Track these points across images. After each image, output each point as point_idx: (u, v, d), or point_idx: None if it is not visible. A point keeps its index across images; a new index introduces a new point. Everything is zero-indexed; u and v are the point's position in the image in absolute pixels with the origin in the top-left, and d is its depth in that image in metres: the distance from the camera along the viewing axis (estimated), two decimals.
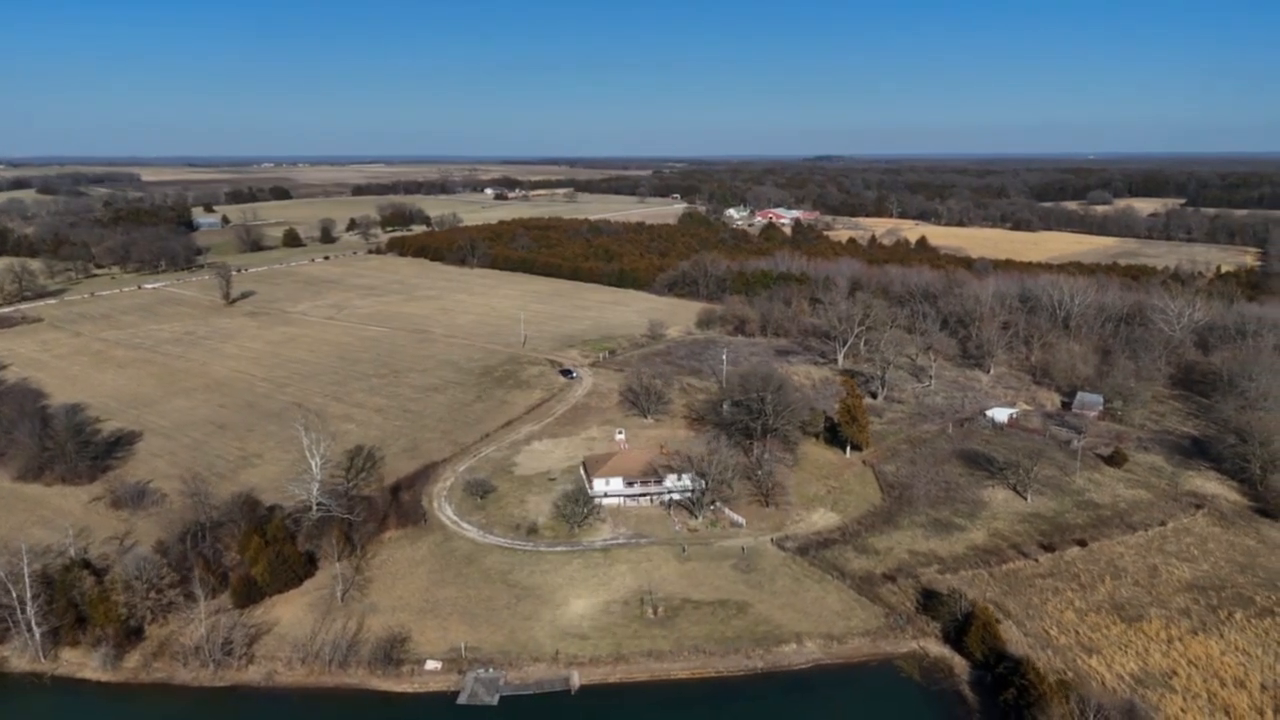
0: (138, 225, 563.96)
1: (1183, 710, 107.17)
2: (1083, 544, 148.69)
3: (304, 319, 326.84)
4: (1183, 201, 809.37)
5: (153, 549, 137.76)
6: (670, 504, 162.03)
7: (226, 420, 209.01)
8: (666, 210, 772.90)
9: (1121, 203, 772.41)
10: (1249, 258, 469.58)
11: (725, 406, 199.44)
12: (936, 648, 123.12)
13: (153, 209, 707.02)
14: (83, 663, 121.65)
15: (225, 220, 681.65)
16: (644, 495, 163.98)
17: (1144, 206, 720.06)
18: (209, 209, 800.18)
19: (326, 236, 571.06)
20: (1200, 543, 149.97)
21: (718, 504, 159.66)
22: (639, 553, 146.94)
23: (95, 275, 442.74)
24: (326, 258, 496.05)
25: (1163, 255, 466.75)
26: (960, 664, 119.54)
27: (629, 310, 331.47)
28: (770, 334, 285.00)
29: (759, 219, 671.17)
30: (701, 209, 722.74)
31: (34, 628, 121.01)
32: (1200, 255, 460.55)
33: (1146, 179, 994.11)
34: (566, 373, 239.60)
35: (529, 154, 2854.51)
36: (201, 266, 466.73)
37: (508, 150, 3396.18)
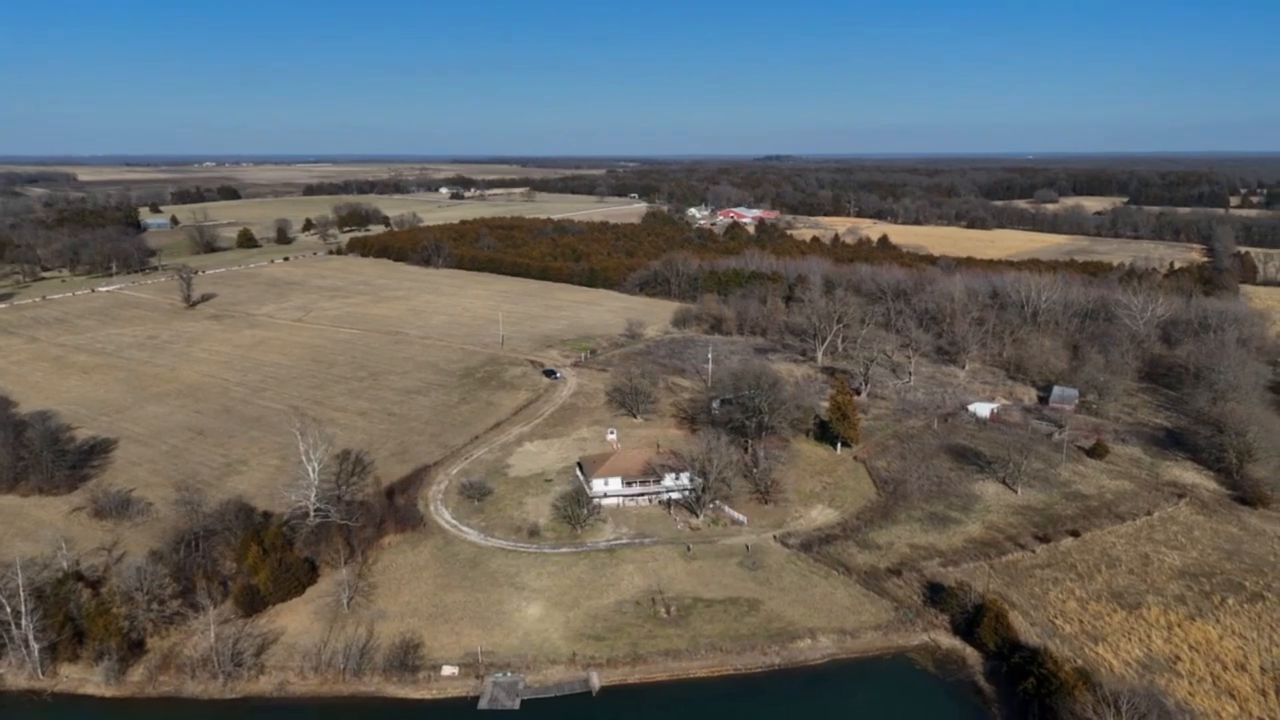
0: (84, 226, 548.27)
1: (1190, 694, 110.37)
2: (1076, 534, 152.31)
3: (271, 321, 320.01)
4: (1125, 200, 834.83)
5: (147, 559, 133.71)
6: (670, 503, 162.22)
7: (205, 426, 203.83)
8: (627, 209, 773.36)
9: (1070, 201, 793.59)
10: (1195, 254, 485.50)
11: (715, 405, 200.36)
12: (948, 640, 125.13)
13: (98, 210, 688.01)
14: (84, 678, 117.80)
15: (174, 221, 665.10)
16: (643, 495, 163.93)
17: (1091, 205, 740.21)
18: (155, 209, 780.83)
19: (283, 237, 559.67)
20: (1186, 531, 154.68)
21: (717, 502, 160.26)
22: (644, 552, 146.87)
23: (43, 278, 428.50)
24: (286, 259, 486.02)
25: (1114, 252, 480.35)
26: (973, 655, 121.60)
27: (603, 310, 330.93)
28: (747, 332, 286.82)
29: (721, 218, 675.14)
30: (664, 208, 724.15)
31: (31, 643, 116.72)
32: (1150, 252, 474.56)
33: (1090, 178, 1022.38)
34: (550, 373, 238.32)
35: (479, 153, 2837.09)
36: (155, 268, 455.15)
37: (457, 149, 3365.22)
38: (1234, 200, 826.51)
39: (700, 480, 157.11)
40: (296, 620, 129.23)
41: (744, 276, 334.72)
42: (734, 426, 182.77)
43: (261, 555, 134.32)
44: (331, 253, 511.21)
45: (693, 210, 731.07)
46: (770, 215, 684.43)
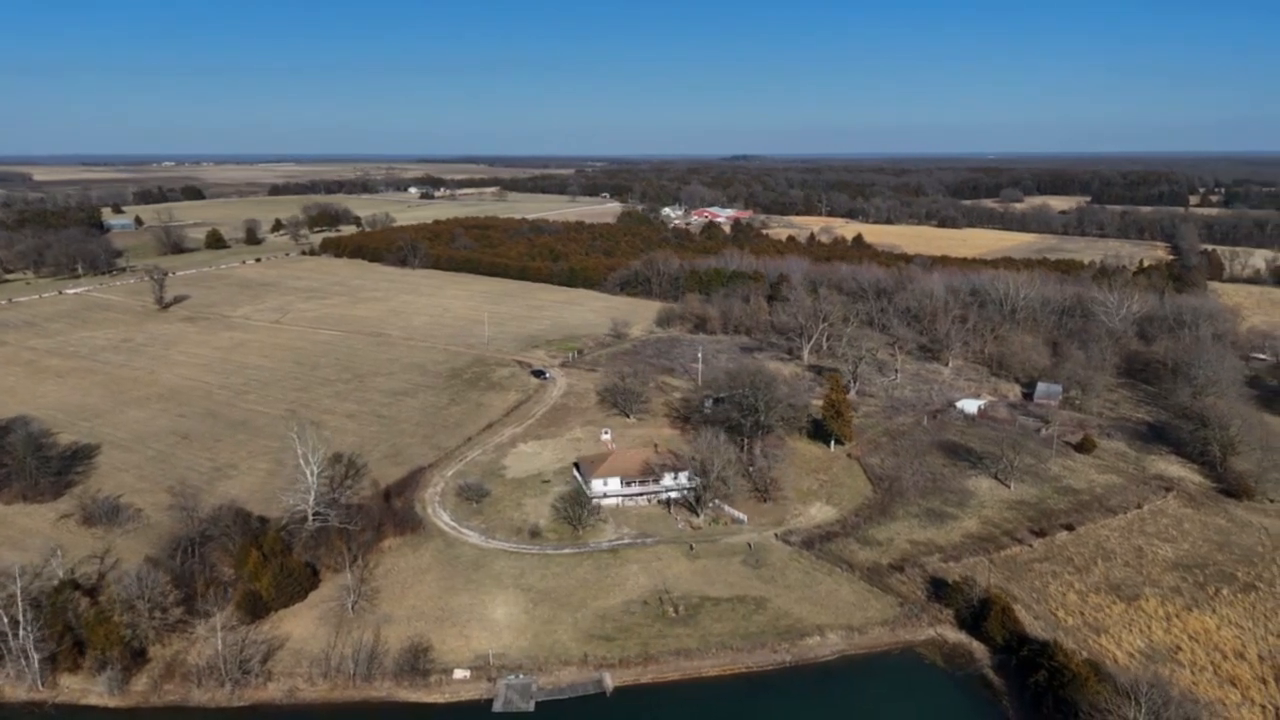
0: (46, 227, 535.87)
1: (1194, 683, 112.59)
2: (1070, 528, 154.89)
3: (248, 323, 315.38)
4: (1089, 199, 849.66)
5: (146, 566, 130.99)
6: (669, 502, 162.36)
7: (190, 430, 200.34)
8: (601, 209, 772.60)
9: (1036, 200, 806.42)
10: (1161, 252, 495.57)
11: (707, 404, 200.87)
12: (954, 634, 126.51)
13: (59, 210, 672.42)
14: (85, 688, 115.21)
15: (139, 221, 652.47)
16: (643, 495, 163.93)
17: (1056, 204, 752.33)
18: (118, 209, 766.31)
19: (252, 238, 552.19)
20: (1176, 523, 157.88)
21: (717, 501, 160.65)
22: (647, 552, 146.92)
23: (7, 280, 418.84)
24: (258, 260, 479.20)
25: (1083, 250, 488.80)
26: (979, 649, 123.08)
27: (585, 310, 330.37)
28: (731, 331, 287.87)
29: (695, 218, 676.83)
30: (639, 208, 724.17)
31: (30, 653, 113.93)
32: (1117, 250, 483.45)
33: (1054, 177, 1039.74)
34: (539, 373, 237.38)
35: (446, 152, 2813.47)
36: (123, 270, 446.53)
37: (423, 148, 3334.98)
38: (1193, 199, 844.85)
39: (700, 479, 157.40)
40: (301, 625, 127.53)
41: (725, 276, 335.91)
42: (729, 425, 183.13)
43: (262, 561, 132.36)
44: (304, 253, 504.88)
45: (667, 210, 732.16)
46: (745, 215, 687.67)
